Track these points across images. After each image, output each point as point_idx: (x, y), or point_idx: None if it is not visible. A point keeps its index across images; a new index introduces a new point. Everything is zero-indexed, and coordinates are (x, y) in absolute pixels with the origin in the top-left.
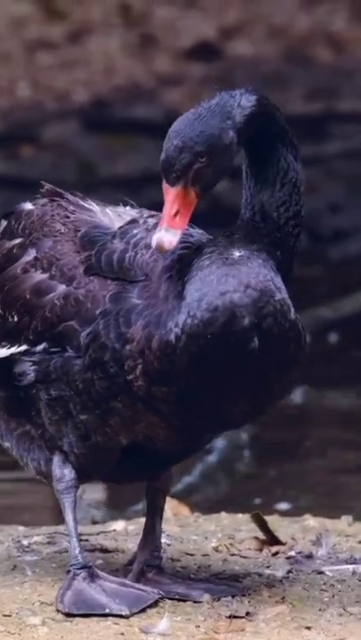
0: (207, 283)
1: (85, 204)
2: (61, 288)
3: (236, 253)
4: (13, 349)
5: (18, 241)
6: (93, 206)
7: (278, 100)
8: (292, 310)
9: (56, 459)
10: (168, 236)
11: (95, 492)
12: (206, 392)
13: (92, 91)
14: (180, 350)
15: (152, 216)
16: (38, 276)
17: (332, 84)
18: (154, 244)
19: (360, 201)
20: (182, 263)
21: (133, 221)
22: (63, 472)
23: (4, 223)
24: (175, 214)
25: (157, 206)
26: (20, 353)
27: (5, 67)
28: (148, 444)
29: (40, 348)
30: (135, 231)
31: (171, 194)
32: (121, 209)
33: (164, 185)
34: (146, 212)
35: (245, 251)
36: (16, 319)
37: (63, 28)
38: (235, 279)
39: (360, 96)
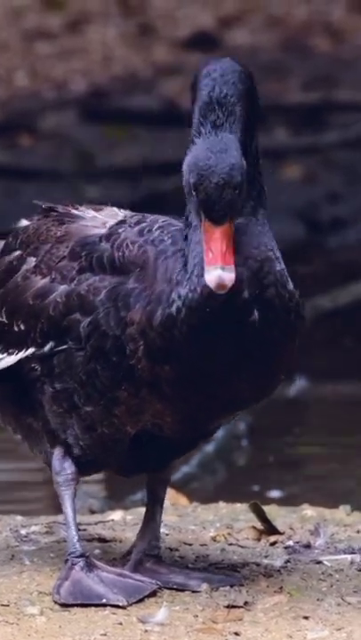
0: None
1: (77, 213)
2: (62, 287)
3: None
4: (21, 354)
5: (16, 254)
6: (85, 213)
7: (277, 90)
8: (290, 280)
9: (56, 452)
10: (227, 273)
11: (93, 482)
12: (208, 367)
13: (90, 80)
14: (180, 323)
15: (139, 221)
16: (39, 281)
17: (331, 74)
18: (214, 283)
19: (358, 190)
20: (176, 244)
21: (121, 222)
22: (63, 465)
23: (1, 243)
24: (226, 250)
25: (156, 196)
26: (27, 356)
27: (3, 56)
28: (157, 431)
29: (47, 347)
30: (120, 230)
31: (218, 232)
32: (110, 211)
33: (207, 223)
34: (131, 214)
35: (241, 218)
36: (22, 327)
37: (61, 17)
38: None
39: (358, 85)
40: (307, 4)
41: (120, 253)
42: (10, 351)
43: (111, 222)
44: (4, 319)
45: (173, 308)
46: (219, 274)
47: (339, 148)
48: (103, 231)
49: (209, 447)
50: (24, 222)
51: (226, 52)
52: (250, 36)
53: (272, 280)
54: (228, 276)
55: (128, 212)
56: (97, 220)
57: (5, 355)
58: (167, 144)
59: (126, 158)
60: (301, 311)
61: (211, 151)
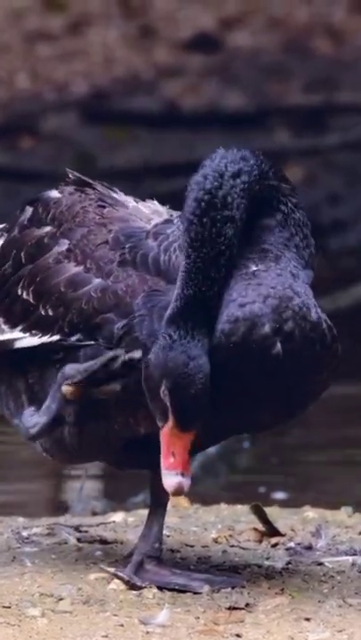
0: (227, 298)
1: (119, 198)
2: (97, 281)
3: (253, 267)
4: (45, 339)
5: (47, 229)
6: (128, 201)
7: (278, 92)
8: (314, 310)
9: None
10: (185, 480)
11: (95, 484)
12: (234, 399)
13: (92, 82)
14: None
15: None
16: (73, 269)
17: (332, 76)
18: (173, 489)
19: (359, 192)
20: None
21: (168, 221)
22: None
23: (30, 210)
24: (187, 457)
25: (157, 197)
26: (51, 342)
27: (5, 58)
28: None
29: (74, 338)
30: (168, 231)
31: (185, 438)
32: (151, 204)
33: (174, 426)
34: (174, 212)
35: (261, 264)
36: (51, 312)
37: (62, 19)
38: (254, 291)
39: (359, 87)
40: (308, 6)
41: (166, 257)
42: (33, 332)
43: (156, 220)
44: (31, 299)
45: None
46: (179, 481)
47: (339, 150)
48: (148, 227)
49: (211, 449)
50: (54, 193)
51: (227, 54)
52: (251, 38)
53: (290, 314)
54: (187, 483)
55: (163, 208)
56: (141, 212)
57: (28, 335)
58: (168, 145)
59: (127, 160)
60: (328, 341)
61: (188, 356)
